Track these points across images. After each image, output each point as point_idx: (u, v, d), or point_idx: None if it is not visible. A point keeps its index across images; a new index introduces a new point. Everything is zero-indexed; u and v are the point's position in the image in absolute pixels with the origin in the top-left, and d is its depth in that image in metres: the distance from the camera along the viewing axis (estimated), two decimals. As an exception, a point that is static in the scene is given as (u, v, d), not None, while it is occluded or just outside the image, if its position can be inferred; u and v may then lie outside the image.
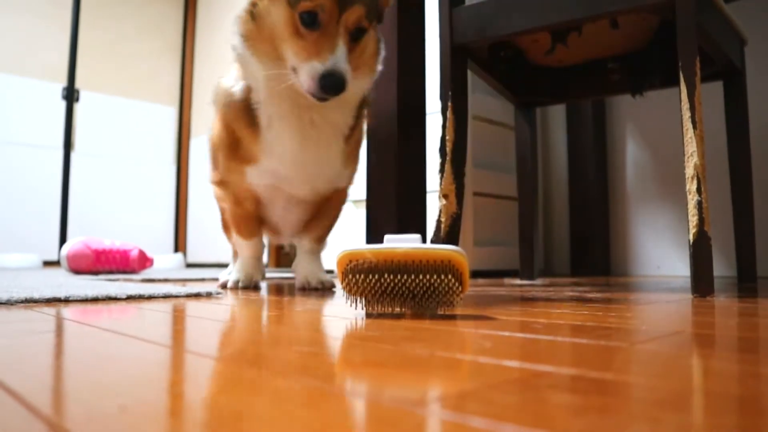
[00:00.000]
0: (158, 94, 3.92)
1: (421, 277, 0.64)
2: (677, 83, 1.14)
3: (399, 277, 0.65)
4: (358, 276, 0.66)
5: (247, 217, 1.24)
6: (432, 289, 0.65)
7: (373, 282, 0.66)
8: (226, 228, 1.67)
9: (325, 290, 1.18)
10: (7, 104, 3.26)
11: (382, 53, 1.12)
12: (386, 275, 0.65)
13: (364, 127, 1.24)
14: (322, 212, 1.25)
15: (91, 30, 3.60)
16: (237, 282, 1.23)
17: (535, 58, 1.59)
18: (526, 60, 1.61)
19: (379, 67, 1.11)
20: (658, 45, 1.47)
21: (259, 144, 1.10)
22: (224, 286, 1.25)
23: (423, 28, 1.57)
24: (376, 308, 0.69)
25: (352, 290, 0.67)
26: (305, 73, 0.95)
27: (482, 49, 1.43)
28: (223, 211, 1.62)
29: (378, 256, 0.65)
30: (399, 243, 0.66)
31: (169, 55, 3.99)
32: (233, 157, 1.14)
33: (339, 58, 0.93)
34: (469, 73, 1.40)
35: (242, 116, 1.10)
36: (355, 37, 0.99)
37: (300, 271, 1.25)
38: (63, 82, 3.45)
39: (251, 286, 1.25)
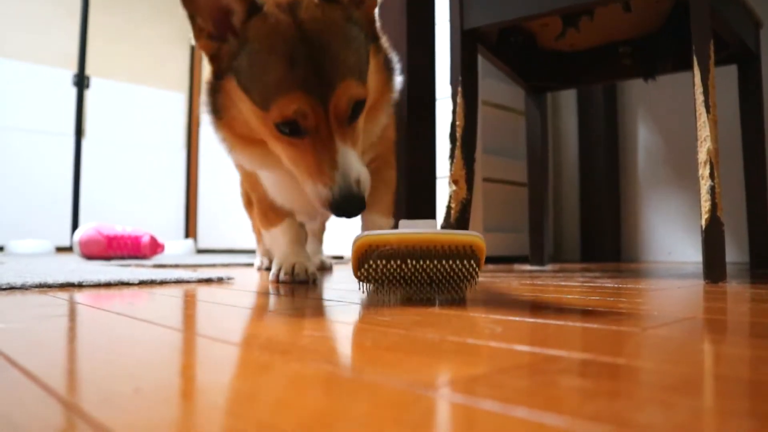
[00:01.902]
0: (168, 80, 3.92)
1: (444, 262, 0.64)
2: (690, 67, 1.13)
3: (421, 262, 0.64)
4: (378, 262, 0.64)
5: (270, 200, 1.01)
6: (452, 273, 0.65)
7: (393, 268, 0.64)
8: (248, 205, 1.48)
9: None
10: (19, 91, 3.28)
11: (395, 69, 0.86)
12: (408, 261, 0.64)
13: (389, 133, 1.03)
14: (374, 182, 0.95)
15: (101, 16, 3.59)
16: (291, 274, 0.96)
17: (546, 43, 1.57)
18: (537, 45, 1.59)
19: (397, 85, 0.88)
20: (671, 28, 1.45)
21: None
22: (278, 282, 0.97)
23: (433, 12, 1.55)
24: (394, 294, 0.67)
25: (369, 276, 0.65)
26: (311, 194, 0.74)
27: (492, 33, 1.42)
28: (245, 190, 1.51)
29: (401, 242, 0.63)
30: (419, 228, 0.65)
31: (179, 41, 3.99)
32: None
33: (346, 170, 0.71)
34: (479, 58, 1.39)
35: None
36: (356, 111, 0.74)
37: None
38: (73, 69, 3.45)
39: (309, 280, 0.96)
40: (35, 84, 3.33)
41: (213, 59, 0.77)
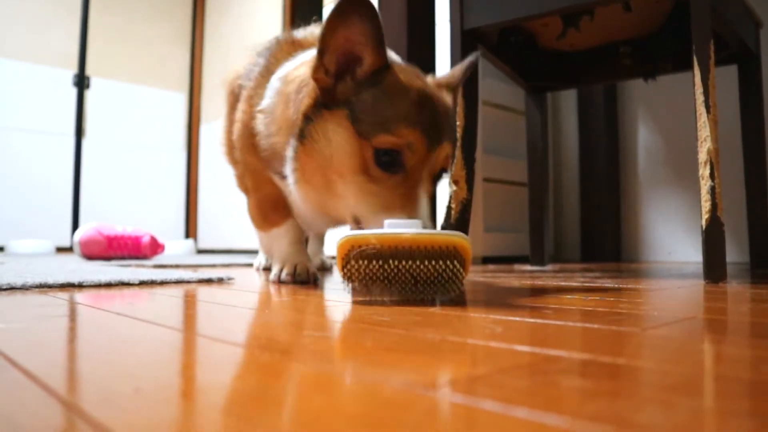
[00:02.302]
0: (168, 81, 3.92)
1: (426, 263, 0.64)
2: (690, 67, 1.13)
3: (404, 263, 0.64)
4: (360, 262, 0.64)
5: (274, 199, 1.02)
6: (436, 274, 0.64)
7: (376, 268, 0.64)
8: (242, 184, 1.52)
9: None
10: (19, 91, 3.28)
11: None
12: (391, 261, 0.64)
13: None
14: None
15: (101, 16, 3.59)
16: (293, 274, 0.96)
17: (546, 43, 1.57)
18: (537, 45, 1.59)
19: None
20: (671, 28, 1.45)
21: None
22: (279, 282, 0.98)
23: (433, 12, 1.55)
24: (376, 294, 0.67)
25: (352, 276, 0.65)
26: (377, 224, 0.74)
27: (492, 33, 1.42)
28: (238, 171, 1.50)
29: (383, 242, 0.63)
30: (402, 228, 0.65)
31: (179, 41, 3.99)
32: (253, 154, 0.97)
33: (421, 216, 0.73)
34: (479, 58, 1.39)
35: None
36: (436, 181, 0.80)
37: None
38: (74, 69, 3.45)
39: (310, 280, 0.97)
40: (35, 84, 3.33)
41: (324, 91, 0.79)
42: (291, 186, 0.85)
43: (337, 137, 0.77)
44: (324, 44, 0.76)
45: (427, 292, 0.66)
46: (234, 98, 1.09)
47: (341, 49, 0.76)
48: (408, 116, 0.74)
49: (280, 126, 0.88)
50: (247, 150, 0.98)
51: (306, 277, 0.96)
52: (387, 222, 0.68)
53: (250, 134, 0.96)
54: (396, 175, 0.74)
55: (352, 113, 0.76)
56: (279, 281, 0.97)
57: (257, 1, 3.47)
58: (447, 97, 0.84)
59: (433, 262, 0.64)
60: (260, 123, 0.92)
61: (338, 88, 0.78)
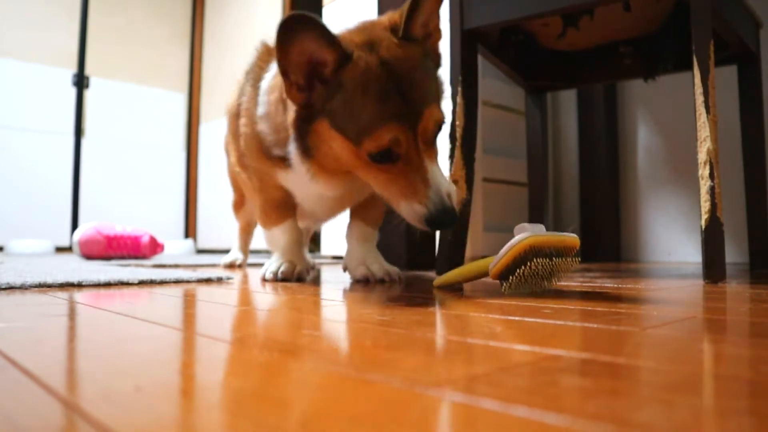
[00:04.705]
0: (168, 80, 3.92)
1: (560, 258, 0.75)
2: (690, 67, 1.13)
3: (545, 260, 0.74)
4: (517, 264, 0.74)
5: (277, 201, 1.09)
6: (561, 267, 0.76)
7: (524, 268, 0.74)
8: (236, 206, 1.65)
9: (392, 282, 1.00)
10: (19, 90, 3.28)
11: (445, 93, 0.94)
12: (535, 260, 0.74)
13: None
14: (371, 197, 1.06)
15: (101, 16, 3.59)
16: (276, 273, 1.04)
17: (546, 43, 1.57)
18: (537, 44, 1.59)
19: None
20: (671, 28, 1.45)
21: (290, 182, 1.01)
22: (264, 280, 1.05)
23: (433, 12, 1.54)
24: (519, 290, 0.76)
25: (508, 277, 0.75)
26: (406, 213, 0.79)
27: (493, 33, 1.42)
28: (235, 187, 1.60)
29: (551, 244, 0.74)
30: (542, 231, 0.74)
31: (179, 41, 3.99)
32: (263, 160, 1.02)
33: (438, 187, 0.78)
34: (479, 58, 1.39)
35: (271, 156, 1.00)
36: (437, 132, 0.82)
37: (355, 259, 1.06)
38: (73, 69, 3.45)
39: (293, 278, 1.05)
40: (35, 84, 3.33)
41: (302, 107, 0.83)
42: (306, 176, 0.89)
43: (333, 144, 0.82)
44: (284, 65, 0.79)
45: (551, 283, 0.78)
46: (236, 120, 1.15)
47: (301, 62, 0.80)
48: (378, 115, 0.76)
49: (278, 129, 0.93)
50: (257, 155, 1.02)
51: (289, 276, 1.04)
52: (520, 227, 0.76)
53: (255, 140, 1.00)
54: (397, 163, 0.79)
55: (333, 122, 0.80)
56: (275, 278, 1.03)
57: (257, 1, 3.47)
58: (413, 55, 0.82)
59: (563, 258, 0.75)
60: (262, 126, 0.96)
61: (313, 98, 0.82)
